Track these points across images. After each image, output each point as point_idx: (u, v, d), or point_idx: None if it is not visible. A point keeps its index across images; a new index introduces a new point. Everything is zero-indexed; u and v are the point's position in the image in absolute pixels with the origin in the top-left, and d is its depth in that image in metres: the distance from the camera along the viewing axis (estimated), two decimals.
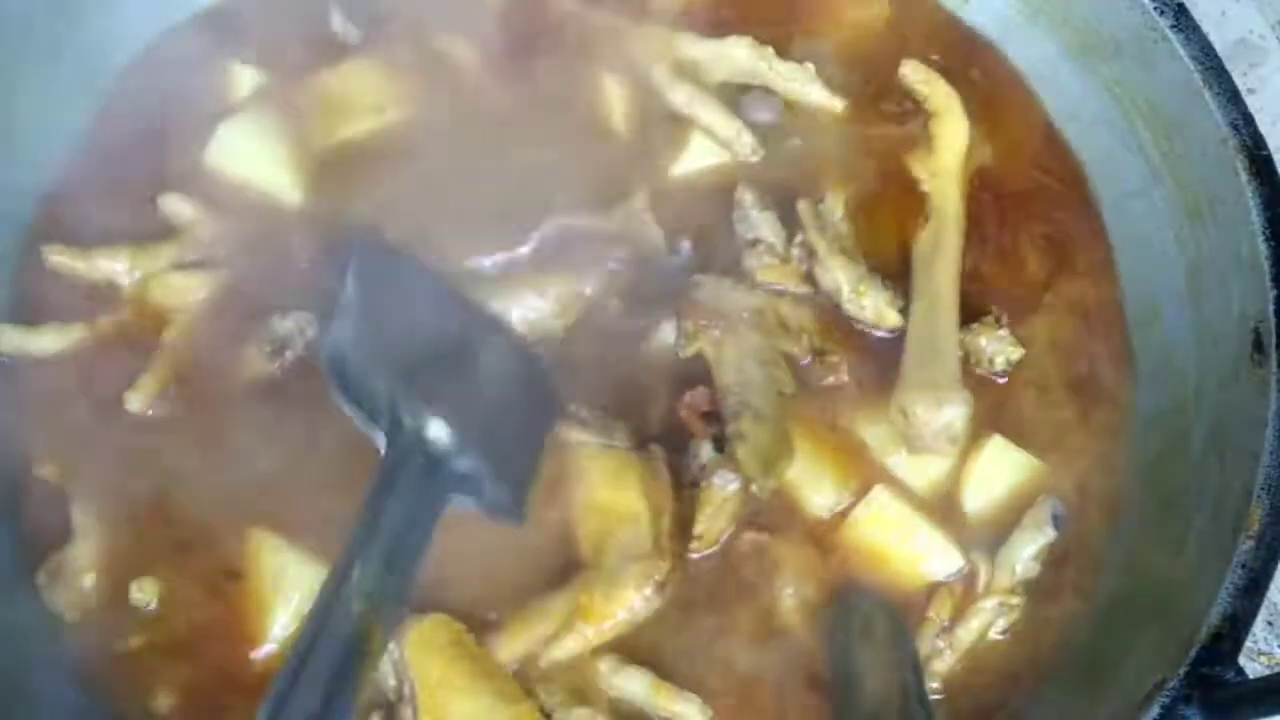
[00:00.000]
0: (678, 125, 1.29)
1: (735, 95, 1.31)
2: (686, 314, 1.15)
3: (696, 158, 1.28)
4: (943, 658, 1.08)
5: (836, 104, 1.31)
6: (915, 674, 1.05)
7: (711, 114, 1.28)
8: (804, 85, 1.31)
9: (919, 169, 1.28)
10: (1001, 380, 1.18)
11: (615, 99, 1.29)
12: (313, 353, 1.15)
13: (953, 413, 1.11)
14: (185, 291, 1.19)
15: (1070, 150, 1.31)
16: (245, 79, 1.29)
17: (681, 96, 1.29)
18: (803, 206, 1.22)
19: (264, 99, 1.28)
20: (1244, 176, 1.10)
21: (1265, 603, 0.96)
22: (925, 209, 1.25)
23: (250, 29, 1.32)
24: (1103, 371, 1.21)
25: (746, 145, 1.28)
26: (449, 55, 1.30)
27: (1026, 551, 1.10)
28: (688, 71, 1.31)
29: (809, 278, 1.20)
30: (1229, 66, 1.16)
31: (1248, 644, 0.93)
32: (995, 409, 1.17)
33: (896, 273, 1.21)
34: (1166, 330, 1.20)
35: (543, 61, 1.31)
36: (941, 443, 1.12)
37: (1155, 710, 0.91)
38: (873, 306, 1.18)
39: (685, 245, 1.22)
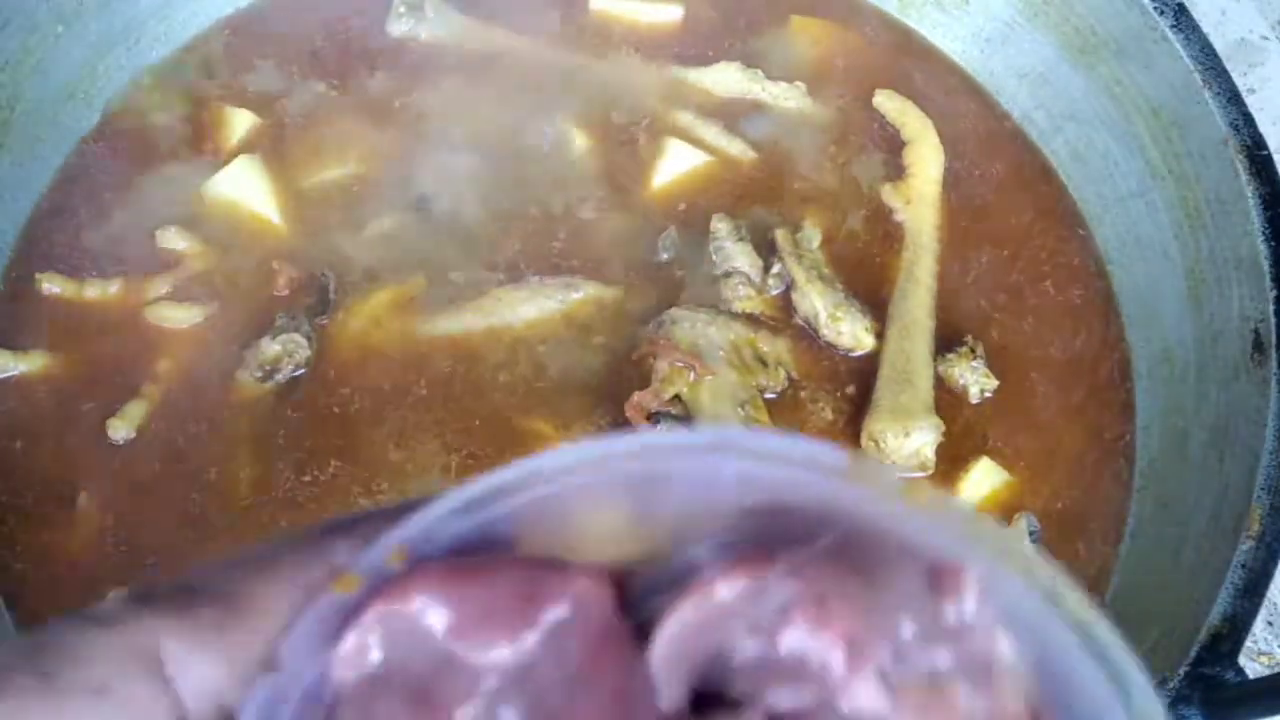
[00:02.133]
0: (651, 141, 1.31)
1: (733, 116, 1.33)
2: (663, 353, 1.14)
3: (675, 164, 1.29)
4: None
5: (829, 118, 1.33)
6: None
7: (713, 135, 1.31)
8: (798, 103, 1.33)
9: (894, 197, 1.28)
10: (989, 396, 1.18)
11: (577, 137, 1.31)
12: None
13: (921, 439, 1.13)
14: (178, 321, 1.20)
15: (1045, 155, 1.32)
16: (239, 121, 1.32)
17: (683, 121, 1.32)
18: (781, 235, 1.23)
19: (258, 139, 1.31)
20: (1244, 177, 1.10)
21: (1265, 603, 0.95)
22: (901, 236, 1.25)
23: (238, 70, 1.36)
24: (1098, 376, 1.21)
25: (750, 158, 1.30)
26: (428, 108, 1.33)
27: None
28: (684, 97, 1.34)
29: (785, 306, 1.21)
30: (1229, 66, 1.15)
31: (1248, 644, 0.92)
32: (984, 426, 1.17)
33: (874, 299, 1.21)
34: (1166, 331, 1.19)
35: (519, 106, 1.33)
36: (913, 466, 1.14)
37: None
38: (849, 331, 1.19)
39: (671, 236, 1.24)
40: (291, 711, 0.55)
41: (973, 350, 1.18)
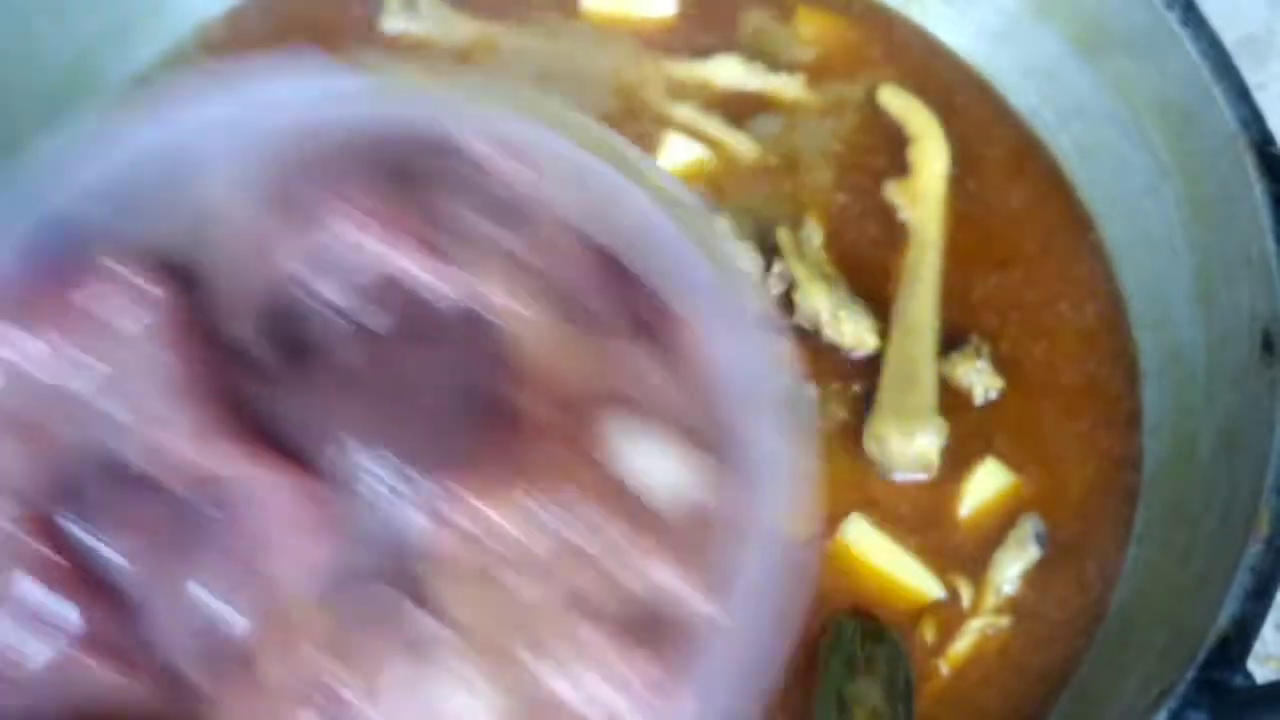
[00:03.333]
0: (648, 135, 1.28)
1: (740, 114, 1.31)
2: None
3: (673, 159, 1.27)
4: (934, 680, 1.06)
5: (832, 114, 1.31)
6: (906, 706, 1.03)
7: (713, 129, 1.29)
8: (800, 97, 1.32)
9: (898, 195, 1.26)
10: (995, 398, 1.16)
11: None
12: None
13: (925, 441, 1.12)
14: None
15: (1052, 152, 1.30)
16: None
17: (683, 114, 1.30)
18: (782, 234, 1.22)
19: None
20: (1253, 174, 1.08)
21: (1274, 606, 0.94)
22: (905, 235, 1.24)
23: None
24: (1107, 377, 1.20)
25: (752, 154, 1.28)
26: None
27: (1011, 571, 1.10)
28: (683, 91, 1.32)
29: (786, 305, 1.19)
30: (1238, 62, 1.14)
31: (1256, 648, 0.92)
32: (990, 427, 1.16)
33: (877, 299, 1.20)
34: (1175, 331, 1.18)
35: None
36: (916, 468, 1.13)
37: (1163, 715, 0.90)
38: (851, 331, 1.17)
39: None
40: None
41: (978, 350, 1.17)
